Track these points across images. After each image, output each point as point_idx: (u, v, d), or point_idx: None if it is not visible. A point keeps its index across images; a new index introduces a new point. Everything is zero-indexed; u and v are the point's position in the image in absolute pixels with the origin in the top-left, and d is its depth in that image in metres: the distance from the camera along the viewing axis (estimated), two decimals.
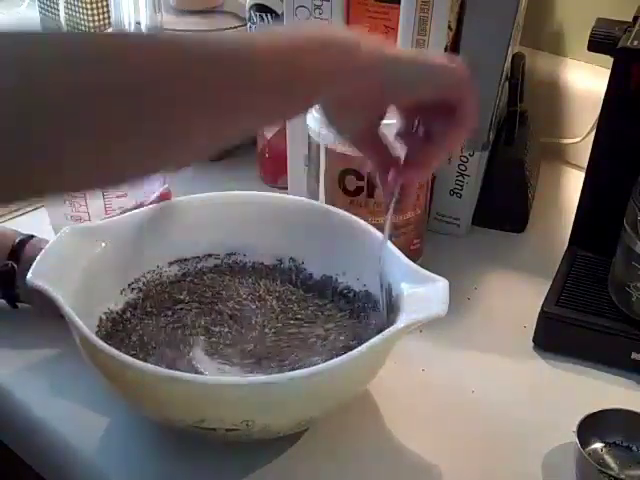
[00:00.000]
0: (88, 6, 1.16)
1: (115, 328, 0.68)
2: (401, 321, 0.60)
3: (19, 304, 0.74)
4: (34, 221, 0.85)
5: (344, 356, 0.58)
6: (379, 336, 0.59)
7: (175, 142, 0.46)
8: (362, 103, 0.57)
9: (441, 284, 0.62)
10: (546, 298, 0.75)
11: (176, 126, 0.45)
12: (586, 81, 0.99)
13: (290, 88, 0.50)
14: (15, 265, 0.71)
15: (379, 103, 0.58)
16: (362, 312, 0.71)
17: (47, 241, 0.67)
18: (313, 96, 0.53)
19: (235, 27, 1.01)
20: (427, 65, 0.57)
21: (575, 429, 0.61)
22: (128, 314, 0.70)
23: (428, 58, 0.58)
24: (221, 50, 0.47)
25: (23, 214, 0.88)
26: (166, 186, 0.75)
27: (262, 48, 0.48)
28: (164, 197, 0.73)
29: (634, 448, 0.63)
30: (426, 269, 0.65)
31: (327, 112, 0.58)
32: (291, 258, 0.75)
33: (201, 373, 0.63)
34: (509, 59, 0.87)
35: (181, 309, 0.71)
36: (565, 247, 0.82)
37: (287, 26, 0.54)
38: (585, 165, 0.80)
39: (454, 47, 0.83)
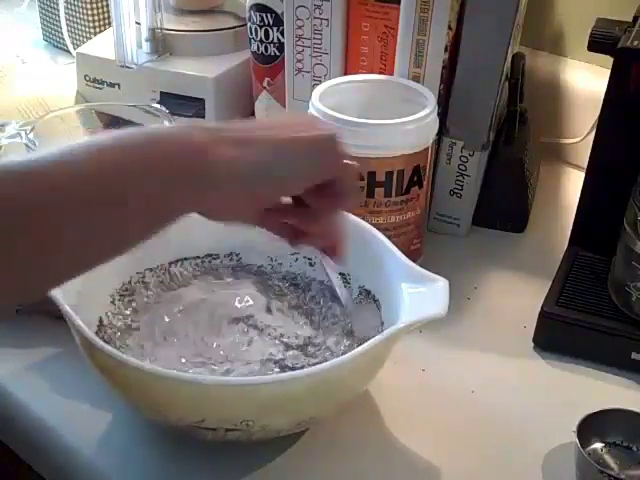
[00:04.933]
0: (88, 6, 1.17)
1: (115, 328, 0.68)
2: (401, 321, 0.60)
3: (19, 306, 0.74)
4: None
5: (344, 356, 0.58)
6: (379, 336, 0.59)
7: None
8: (233, 213, 0.54)
9: (441, 284, 0.63)
10: (546, 298, 0.75)
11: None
12: (586, 81, 0.99)
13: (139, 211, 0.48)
14: None
15: (249, 210, 0.55)
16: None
17: None
18: (165, 213, 0.50)
19: (235, 27, 1.02)
20: (302, 154, 0.53)
21: (575, 429, 0.61)
22: (128, 314, 0.70)
23: (299, 141, 0.53)
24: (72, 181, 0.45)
25: None
26: None
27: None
28: None
29: (634, 448, 0.63)
30: (426, 269, 0.65)
31: (209, 218, 0.55)
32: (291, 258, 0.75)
33: (200, 373, 0.63)
34: (509, 59, 0.87)
35: (181, 309, 0.71)
36: (565, 247, 0.82)
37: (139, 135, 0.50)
38: (585, 165, 0.80)
39: (454, 47, 0.83)
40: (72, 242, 0.45)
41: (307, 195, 0.56)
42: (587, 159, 0.79)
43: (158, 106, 0.82)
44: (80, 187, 0.45)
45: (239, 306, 0.71)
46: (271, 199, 0.55)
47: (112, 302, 0.69)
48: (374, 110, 0.79)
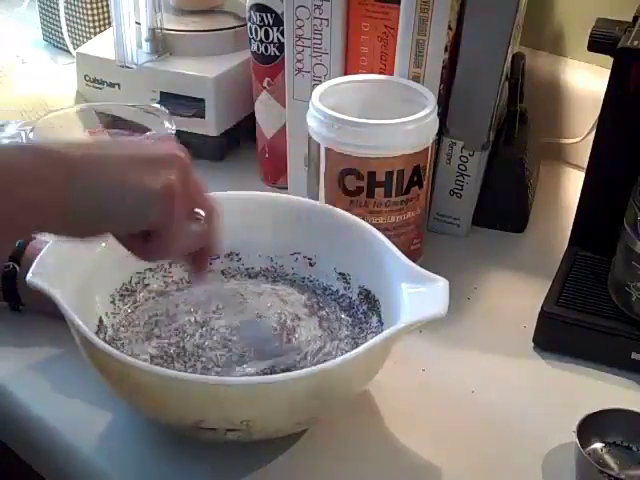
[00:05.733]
0: (88, 6, 1.17)
1: (115, 328, 0.68)
2: (401, 321, 0.60)
3: (20, 307, 0.74)
4: None
5: (344, 356, 0.58)
6: (379, 336, 0.59)
7: None
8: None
9: (441, 284, 0.63)
10: (546, 298, 0.75)
11: None
12: (586, 81, 0.99)
13: None
14: (17, 266, 0.71)
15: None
16: (361, 313, 0.71)
17: (47, 242, 0.67)
18: None
19: (235, 27, 1.02)
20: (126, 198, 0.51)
21: (575, 429, 0.61)
22: (128, 314, 0.70)
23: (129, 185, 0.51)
24: None
25: None
26: None
27: None
28: None
29: (634, 448, 0.63)
30: (426, 269, 0.65)
31: None
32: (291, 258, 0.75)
33: (202, 373, 0.63)
34: (509, 59, 0.87)
35: (182, 309, 0.71)
36: (565, 247, 0.82)
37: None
38: (585, 165, 0.80)
39: (454, 47, 0.83)
40: None
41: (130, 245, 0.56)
42: (587, 159, 0.79)
43: (158, 106, 0.82)
44: None
45: (239, 306, 0.71)
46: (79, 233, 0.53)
47: (112, 302, 0.69)
48: (374, 110, 0.79)
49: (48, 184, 0.48)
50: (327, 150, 0.76)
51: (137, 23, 0.98)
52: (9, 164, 0.48)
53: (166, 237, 0.54)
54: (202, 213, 0.56)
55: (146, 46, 1.00)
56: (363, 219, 0.72)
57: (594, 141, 0.78)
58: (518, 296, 0.81)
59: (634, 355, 0.71)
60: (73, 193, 0.49)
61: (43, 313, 0.71)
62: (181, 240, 0.55)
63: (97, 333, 0.65)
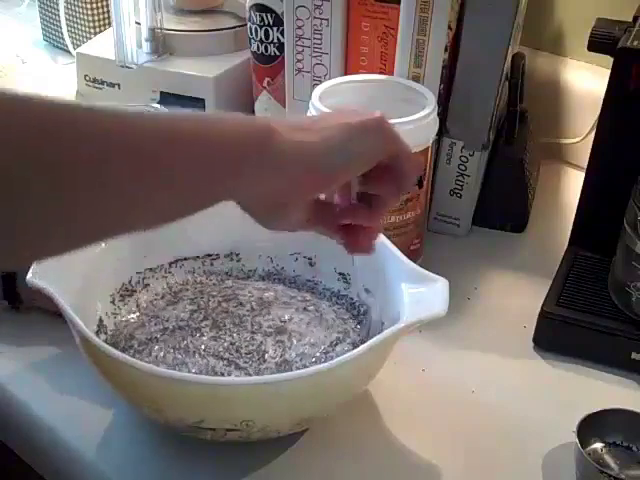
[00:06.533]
0: (88, 6, 1.17)
1: (115, 328, 0.68)
2: (401, 321, 0.60)
3: (20, 306, 0.74)
4: None
5: (344, 356, 0.58)
6: (379, 336, 0.59)
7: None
8: (290, 200, 0.53)
9: (441, 284, 0.63)
10: (546, 298, 0.75)
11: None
12: (586, 81, 0.99)
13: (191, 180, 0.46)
14: None
15: (312, 193, 0.54)
16: (362, 313, 0.71)
17: None
18: (214, 193, 0.48)
19: (235, 27, 1.02)
20: (355, 135, 0.52)
21: (575, 429, 0.61)
22: (128, 314, 0.70)
23: (350, 124, 0.53)
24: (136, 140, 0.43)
25: None
26: None
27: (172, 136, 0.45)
28: None
29: (634, 448, 0.63)
30: (426, 269, 0.65)
31: (255, 214, 0.54)
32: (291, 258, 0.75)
33: (202, 373, 0.63)
34: (509, 59, 0.87)
35: (182, 309, 0.71)
36: (565, 247, 0.82)
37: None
38: (585, 165, 0.80)
39: (454, 47, 0.83)
40: (103, 204, 0.42)
41: (370, 183, 0.56)
42: (587, 159, 0.79)
43: (158, 106, 0.82)
44: (131, 148, 0.42)
45: (240, 306, 0.71)
46: (336, 181, 0.54)
47: (112, 302, 0.69)
48: (374, 110, 0.79)
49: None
50: None
51: (137, 23, 0.98)
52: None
53: (401, 165, 0.55)
54: None
55: (146, 46, 1.00)
56: None
57: (594, 141, 0.78)
58: (518, 296, 0.81)
59: (634, 355, 0.71)
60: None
61: (43, 313, 0.71)
62: (414, 167, 0.57)
63: (97, 333, 0.65)
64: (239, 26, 1.01)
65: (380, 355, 0.62)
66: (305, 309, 0.71)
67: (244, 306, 0.71)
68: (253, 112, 0.96)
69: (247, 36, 0.93)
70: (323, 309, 0.72)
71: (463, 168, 0.87)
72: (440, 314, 0.60)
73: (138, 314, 0.70)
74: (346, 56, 0.86)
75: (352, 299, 0.72)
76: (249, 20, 0.92)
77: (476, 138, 0.86)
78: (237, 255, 0.76)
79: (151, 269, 0.73)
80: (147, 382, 0.57)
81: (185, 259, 0.74)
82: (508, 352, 0.75)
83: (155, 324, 0.69)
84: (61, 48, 1.24)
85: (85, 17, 1.17)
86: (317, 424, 0.64)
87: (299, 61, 0.87)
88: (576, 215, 0.82)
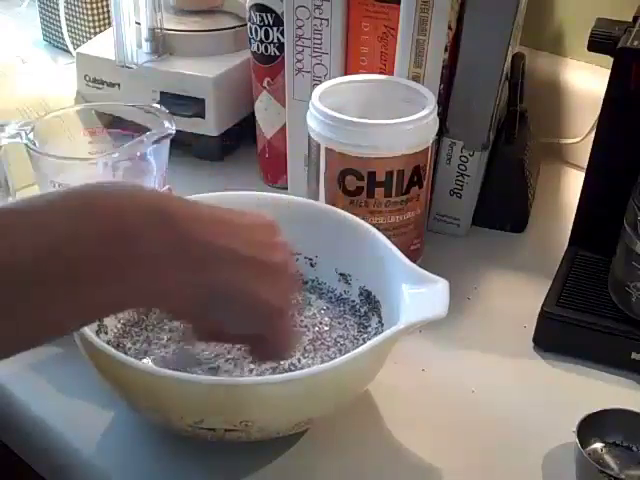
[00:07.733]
0: (88, 6, 1.17)
1: (116, 328, 0.68)
2: (401, 322, 0.60)
3: None
4: None
5: (344, 356, 0.58)
6: (379, 336, 0.59)
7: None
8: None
9: (441, 285, 0.63)
10: (546, 298, 0.75)
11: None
12: (586, 81, 0.99)
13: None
14: None
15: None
16: (362, 314, 0.71)
17: None
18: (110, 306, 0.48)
19: (235, 27, 1.01)
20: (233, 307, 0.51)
21: (575, 429, 0.61)
22: (128, 314, 0.70)
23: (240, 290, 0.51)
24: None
25: None
26: (167, 186, 0.75)
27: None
28: None
29: (634, 448, 0.63)
30: (426, 269, 0.65)
31: None
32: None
33: (203, 373, 0.63)
34: (509, 59, 0.87)
35: None
36: (565, 247, 0.82)
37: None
38: (585, 165, 0.80)
39: (454, 47, 0.83)
40: None
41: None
42: (587, 159, 0.79)
43: (158, 106, 0.81)
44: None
45: None
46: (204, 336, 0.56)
47: None
48: (374, 110, 0.79)
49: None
50: (327, 150, 0.76)
51: (137, 23, 0.98)
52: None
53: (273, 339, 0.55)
54: None
55: (146, 46, 1.00)
56: (363, 219, 0.72)
57: (594, 141, 0.78)
58: (518, 296, 0.81)
59: (634, 355, 0.71)
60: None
61: None
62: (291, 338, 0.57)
63: (97, 333, 0.65)
64: (239, 26, 1.01)
65: (380, 356, 0.62)
66: (305, 309, 0.71)
67: None
68: (253, 112, 0.97)
69: (247, 36, 0.93)
70: (323, 309, 0.72)
71: (463, 168, 0.87)
72: (440, 316, 0.60)
73: (138, 314, 0.70)
74: (346, 56, 0.86)
75: (353, 300, 0.72)
76: (249, 20, 0.92)
77: (476, 138, 0.86)
78: None
79: None
80: (147, 382, 0.57)
81: None
82: (508, 352, 0.75)
83: (156, 324, 0.69)
84: (61, 48, 1.24)
85: (85, 17, 1.17)
86: (317, 424, 0.64)
87: (299, 61, 0.87)
88: (576, 215, 0.82)
